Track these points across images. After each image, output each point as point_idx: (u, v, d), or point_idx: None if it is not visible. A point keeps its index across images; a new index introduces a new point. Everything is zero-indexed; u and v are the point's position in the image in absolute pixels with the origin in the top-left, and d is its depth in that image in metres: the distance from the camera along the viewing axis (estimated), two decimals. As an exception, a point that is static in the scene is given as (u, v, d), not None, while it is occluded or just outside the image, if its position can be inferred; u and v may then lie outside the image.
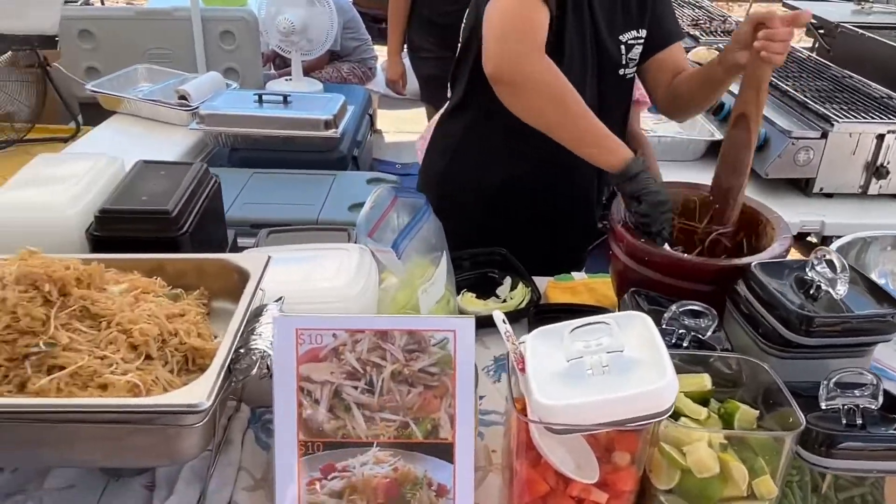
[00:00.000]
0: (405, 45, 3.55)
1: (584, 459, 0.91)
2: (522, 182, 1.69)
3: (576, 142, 1.41)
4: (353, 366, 0.95)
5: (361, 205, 1.32)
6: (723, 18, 3.94)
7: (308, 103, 2.90)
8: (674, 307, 1.07)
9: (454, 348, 0.95)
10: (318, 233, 1.47)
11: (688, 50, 3.13)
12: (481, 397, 1.24)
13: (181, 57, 3.32)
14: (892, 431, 0.93)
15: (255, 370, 0.96)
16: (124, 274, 1.12)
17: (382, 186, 1.42)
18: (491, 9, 1.40)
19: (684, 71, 1.61)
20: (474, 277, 1.56)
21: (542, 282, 1.56)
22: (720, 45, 3.19)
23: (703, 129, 2.75)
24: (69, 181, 1.32)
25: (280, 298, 1.11)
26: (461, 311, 1.45)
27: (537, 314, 1.41)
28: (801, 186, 2.55)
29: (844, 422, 0.94)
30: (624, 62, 1.61)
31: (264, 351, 0.97)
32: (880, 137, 2.42)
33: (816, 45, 4.01)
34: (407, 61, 3.62)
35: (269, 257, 1.16)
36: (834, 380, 0.95)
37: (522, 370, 0.96)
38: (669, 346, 0.91)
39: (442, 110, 1.78)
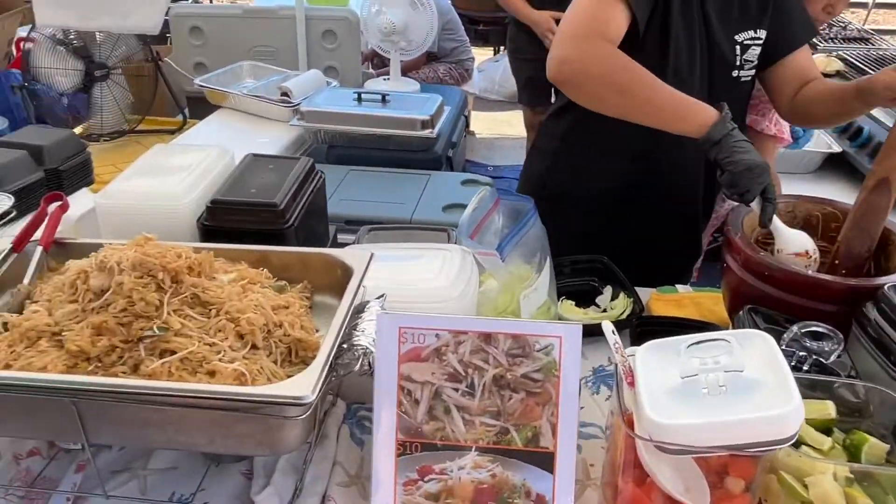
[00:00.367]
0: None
1: (694, 482, 0.86)
2: (622, 188, 1.64)
3: (654, 118, 1.37)
4: (455, 367, 0.94)
5: (455, 205, 1.30)
6: (843, 25, 3.75)
7: (406, 103, 2.91)
8: (795, 328, 1.01)
9: (559, 355, 0.92)
10: (418, 232, 1.46)
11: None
12: (580, 408, 1.21)
13: (284, 54, 3.40)
14: None
15: (356, 367, 0.96)
16: (232, 264, 1.14)
17: (485, 188, 1.40)
18: (568, 10, 1.40)
19: (813, 80, 1.51)
20: (574, 285, 1.52)
21: (644, 293, 1.50)
22: (840, 53, 3.03)
23: (819, 140, 2.61)
24: (183, 171, 1.36)
25: (382, 295, 1.10)
26: (560, 319, 1.41)
27: (640, 326, 1.36)
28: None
29: None
30: (738, 63, 1.54)
31: (366, 348, 0.96)
32: None
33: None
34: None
35: (373, 254, 1.16)
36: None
37: (631, 384, 0.92)
38: (790, 369, 0.86)
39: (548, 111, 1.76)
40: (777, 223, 1.29)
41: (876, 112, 1.38)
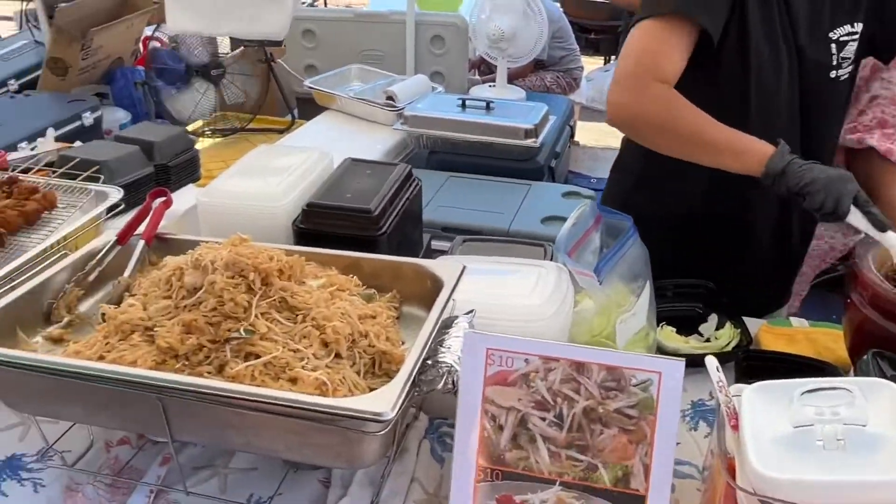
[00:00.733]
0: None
1: (801, 544, 0.78)
2: (705, 209, 1.54)
3: (713, 160, 1.33)
4: (544, 395, 0.88)
5: (555, 218, 1.25)
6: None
7: (510, 111, 2.87)
8: (929, 378, 0.90)
9: (658, 392, 0.85)
10: (513, 245, 1.42)
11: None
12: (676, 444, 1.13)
13: (392, 59, 3.43)
14: None
15: (440, 385, 0.92)
16: (323, 269, 1.13)
17: (586, 203, 1.34)
18: (628, 39, 1.36)
19: None
20: (677, 310, 1.44)
21: (753, 324, 1.40)
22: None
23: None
24: (283, 173, 1.36)
25: (471, 311, 1.06)
26: (659, 346, 1.33)
27: (746, 361, 1.26)
28: None
29: None
30: (835, 62, 1.41)
31: (451, 366, 0.92)
32: None
33: None
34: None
35: (465, 267, 1.12)
36: None
37: (735, 427, 0.84)
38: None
39: None
40: None
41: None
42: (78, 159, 1.50)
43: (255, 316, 0.96)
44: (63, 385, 0.94)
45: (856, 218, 1.20)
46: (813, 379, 0.82)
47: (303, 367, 0.93)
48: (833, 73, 1.43)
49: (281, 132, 3.12)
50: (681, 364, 0.85)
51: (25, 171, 1.50)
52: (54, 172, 1.49)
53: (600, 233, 1.33)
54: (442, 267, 1.13)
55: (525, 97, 3.52)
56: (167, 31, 2.94)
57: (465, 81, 3.57)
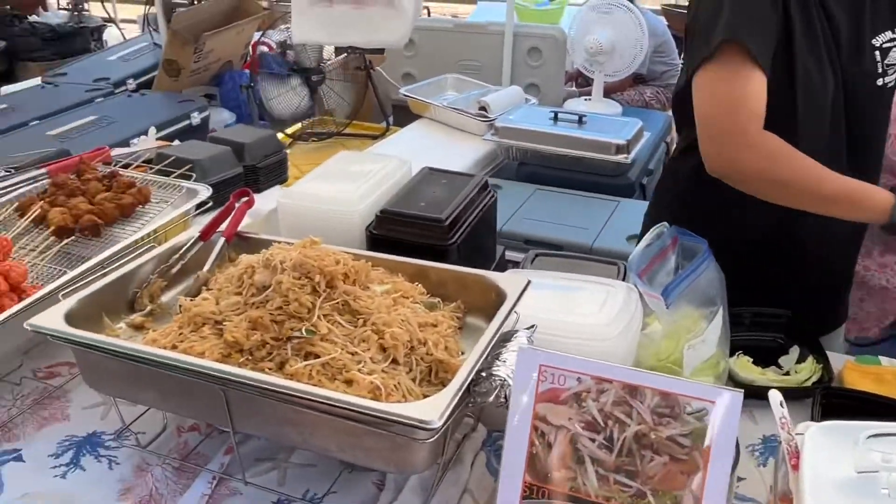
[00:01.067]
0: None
1: None
2: (759, 232, 1.46)
3: (824, 209, 1.30)
4: (595, 416, 0.87)
5: (641, 237, 1.22)
6: None
7: (603, 125, 2.83)
8: None
9: (713, 422, 0.82)
10: (587, 263, 1.40)
11: None
12: (740, 479, 1.08)
13: (489, 69, 3.45)
14: None
15: (492, 397, 0.92)
16: (390, 275, 1.15)
17: (664, 224, 1.31)
18: (698, 89, 1.30)
19: None
20: (755, 340, 1.38)
21: (838, 360, 1.33)
22: None
23: None
24: (361, 179, 1.40)
25: (532, 326, 1.06)
26: (732, 376, 1.28)
27: (826, 398, 1.20)
28: None
29: None
30: (881, 70, 1.36)
31: (504, 379, 0.92)
32: None
33: None
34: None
35: (529, 281, 1.11)
36: None
37: (795, 467, 0.80)
38: None
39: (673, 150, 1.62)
40: None
41: None
42: (173, 157, 1.59)
43: (318, 317, 0.99)
44: (138, 370, 0.99)
45: None
46: (881, 423, 0.77)
47: (359, 370, 0.95)
48: (880, 81, 1.38)
49: (375, 138, 3.19)
50: (739, 395, 0.81)
51: (125, 166, 1.60)
52: (151, 169, 1.59)
53: (677, 255, 1.30)
54: (507, 280, 1.13)
55: (621, 112, 3.46)
56: (272, 38, 3.07)
57: (560, 94, 3.55)
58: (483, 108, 2.98)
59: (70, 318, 1.04)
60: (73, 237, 1.37)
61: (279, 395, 0.90)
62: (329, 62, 3.20)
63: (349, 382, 0.94)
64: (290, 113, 3.14)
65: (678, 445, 0.84)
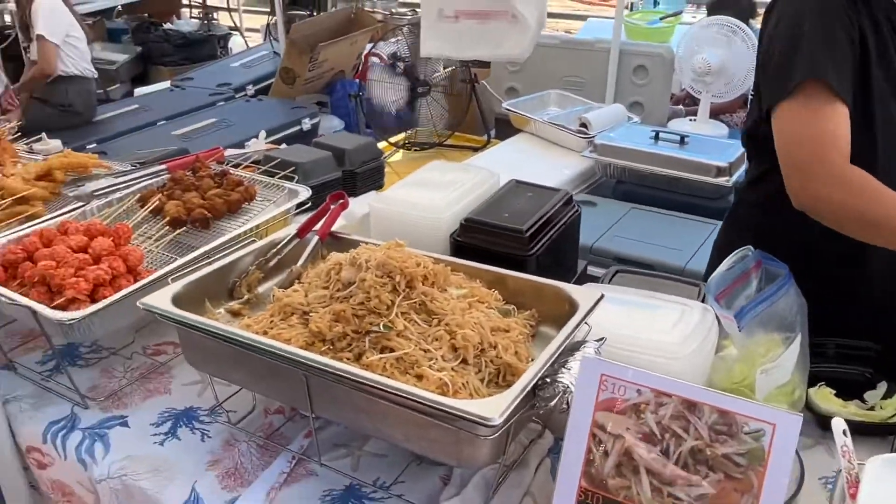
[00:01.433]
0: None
1: None
2: (829, 264, 1.41)
3: None
4: (652, 428, 0.89)
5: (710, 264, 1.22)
6: None
7: (705, 147, 2.79)
8: None
9: (770, 443, 0.83)
10: (667, 282, 1.41)
11: None
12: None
13: (593, 86, 3.46)
14: None
15: (554, 402, 0.96)
16: (468, 280, 1.21)
17: (747, 248, 1.30)
18: (781, 125, 1.28)
19: None
20: (841, 372, 1.34)
21: (926, 397, 1.28)
22: None
23: None
24: (449, 188, 1.46)
25: (601, 339, 1.08)
26: (811, 407, 1.26)
27: (908, 435, 1.16)
28: None
29: None
30: None
31: (567, 386, 0.96)
32: None
33: None
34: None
35: (602, 295, 1.14)
36: None
37: (853, 496, 0.80)
38: None
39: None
40: None
41: None
42: (279, 160, 1.70)
43: (396, 314, 1.06)
44: (232, 351, 1.08)
45: None
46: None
47: (429, 367, 1.00)
48: None
49: (475, 150, 3.26)
50: (798, 418, 0.82)
51: (236, 166, 1.72)
52: (258, 169, 1.70)
53: (759, 279, 1.29)
54: (581, 292, 1.16)
55: (727, 134, 3.39)
56: (381, 51, 3.19)
57: (665, 113, 3.52)
58: (583, 125, 2.99)
59: (176, 300, 1.15)
60: (184, 228, 1.50)
61: (355, 383, 0.96)
62: (437, 75, 3.29)
63: (420, 377, 0.99)
64: (394, 122, 3.26)
65: (734, 464, 0.85)
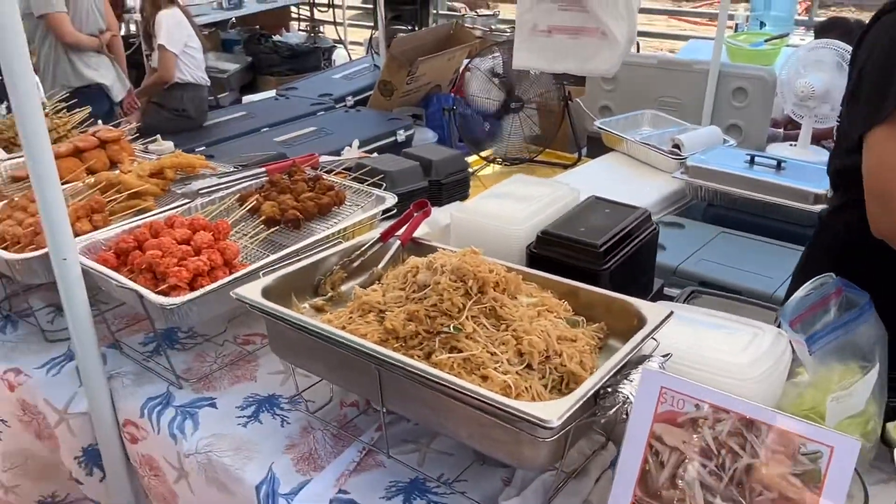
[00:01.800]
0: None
1: None
2: None
3: None
4: (709, 443, 0.90)
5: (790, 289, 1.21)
6: None
7: (802, 173, 2.71)
8: None
9: (827, 466, 0.83)
10: (743, 305, 1.40)
11: None
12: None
13: (689, 107, 3.41)
14: None
15: (614, 410, 0.98)
16: (540, 290, 1.24)
17: (829, 274, 1.28)
18: (870, 150, 1.27)
19: None
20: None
21: None
22: None
23: None
24: (529, 201, 1.50)
25: (667, 355, 1.10)
26: (887, 441, 1.22)
27: None
28: None
29: None
30: None
31: (628, 396, 0.98)
32: None
33: None
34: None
35: (671, 312, 1.15)
36: None
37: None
38: None
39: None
40: None
41: None
42: (369, 167, 1.78)
43: (466, 317, 1.10)
44: (312, 343, 1.16)
45: None
46: None
47: (495, 369, 1.04)
48: None
49: (566, 167, 3.28)
50: (856, 443, 0.81)
51: (329, 171, 1.82)
52: (349, 176, 1.79)
53: (839, 307, 1.26)
54: (650, 308, 1.18)
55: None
56: (479, 66, 3.26)
57: (764, 137, 3.43)
58: (676, 146, 2.96)
59: (266, 292, 1.24)
60: (277, 227, 1.60)
61: (423, 379, 1.02)
62: (531, 91, 3.33)
63: (485, 378, 1.04)
64: (487, 136, 3.32)
65: (789, 484, 0.85)
